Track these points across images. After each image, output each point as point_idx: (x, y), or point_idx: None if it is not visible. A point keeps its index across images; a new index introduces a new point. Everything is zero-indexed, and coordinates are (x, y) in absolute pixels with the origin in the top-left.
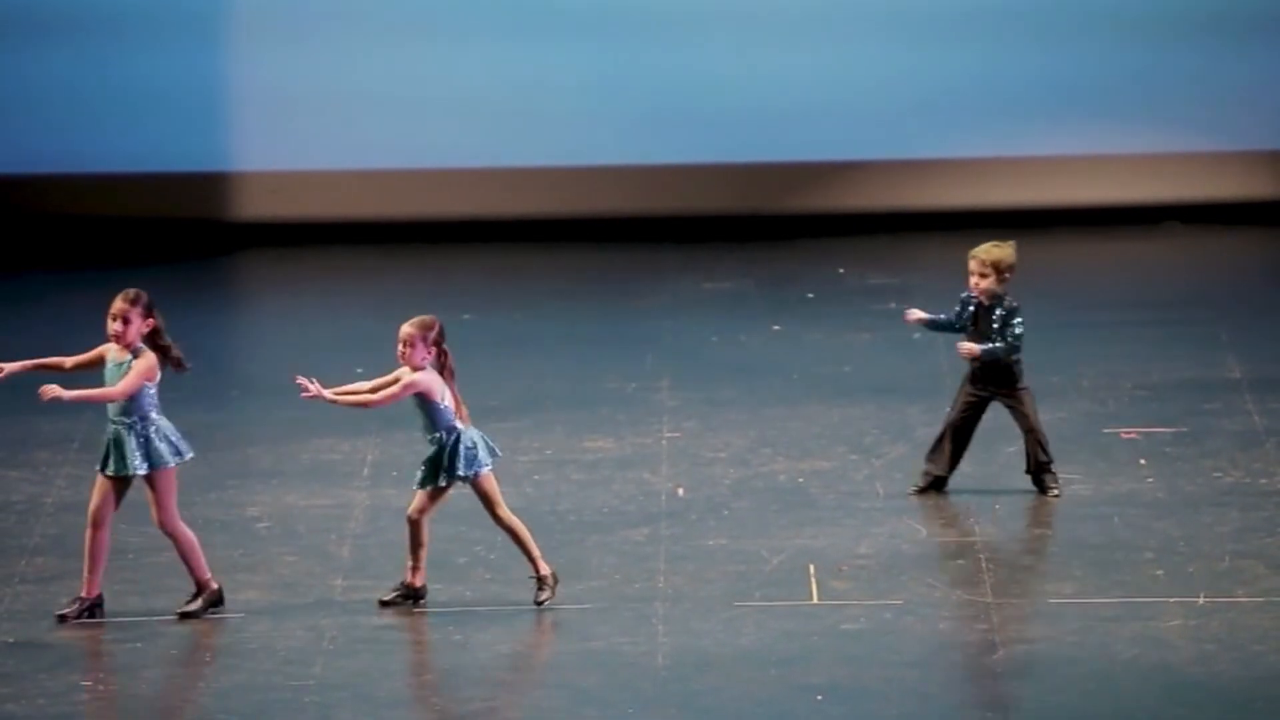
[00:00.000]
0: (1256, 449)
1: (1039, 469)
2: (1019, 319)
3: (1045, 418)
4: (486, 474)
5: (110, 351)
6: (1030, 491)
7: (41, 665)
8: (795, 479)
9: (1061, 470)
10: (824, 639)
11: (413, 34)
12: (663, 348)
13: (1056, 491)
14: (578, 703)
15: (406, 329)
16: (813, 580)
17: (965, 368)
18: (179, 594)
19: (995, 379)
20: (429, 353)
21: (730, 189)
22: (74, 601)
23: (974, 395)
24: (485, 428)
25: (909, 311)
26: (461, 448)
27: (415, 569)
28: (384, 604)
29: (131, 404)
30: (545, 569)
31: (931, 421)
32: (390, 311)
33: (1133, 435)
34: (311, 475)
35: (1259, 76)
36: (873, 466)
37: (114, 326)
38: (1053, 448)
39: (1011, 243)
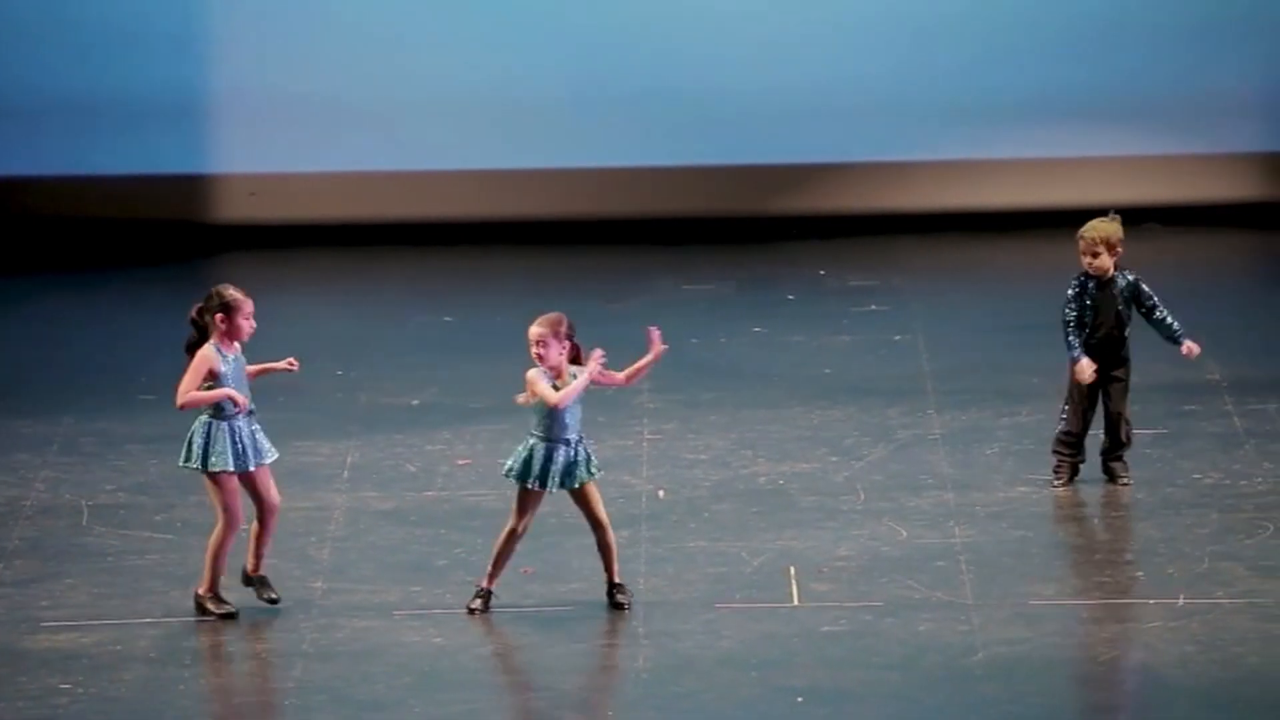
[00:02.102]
0: (1236, 450)
1: (1114, 453)
2: (1146, 287)
3: (1024, 420)
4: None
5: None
6: (1010, 493)
7: (21, 668)
8: (776, 481)
9: (1042, 473)
10: (804, 641)
11: (392, 36)
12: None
13: (1126, 480)
14: (558, 705)
15: (536, 329)
16: (793, 582)
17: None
18: (159, 596)
19: (1110, 356)
20: (564, 348)
21: (711, 191)
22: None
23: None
24: (467, 431)
25: (1084, 370)
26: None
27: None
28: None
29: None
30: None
31: (911, 423)
32: (371, 314)
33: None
34: (291, 477)
35: (1238, 79)
36: (853, 469)
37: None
38: (1041, 450)
39: (1116, 216)
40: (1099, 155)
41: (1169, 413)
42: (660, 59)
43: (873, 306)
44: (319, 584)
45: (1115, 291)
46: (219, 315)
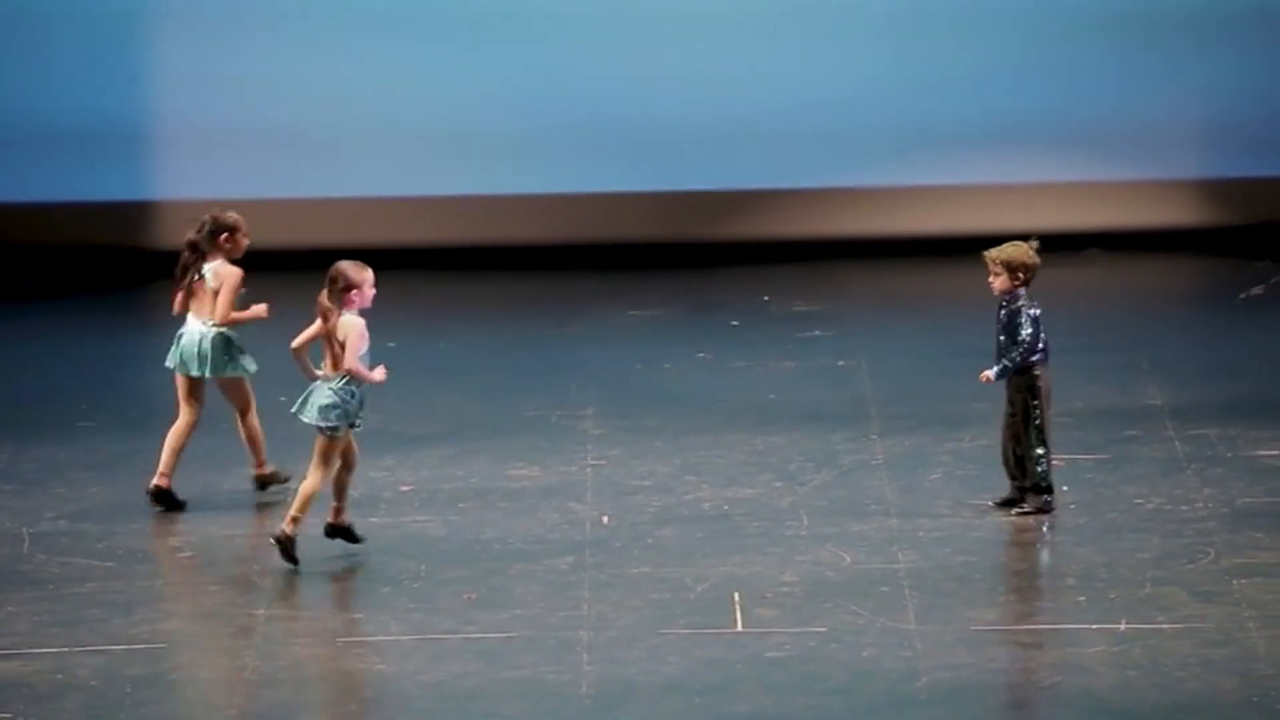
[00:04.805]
0: (1177, 475)
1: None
2: (1024, 319)
3: (967, 446)
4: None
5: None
6: (953, 518)
7: None
8: (720, 507)
9: (984, 496)
10: (748, 667)
11: (336, 63)
12: (587, 375)
13: (1017, 510)
14: None
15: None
16: (737, 608)
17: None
18: (100, 624)
19: (1009, 383)
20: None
21: (655, 216)
22: None
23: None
24: (410, 455)
25: (983, 375)
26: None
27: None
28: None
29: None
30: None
31: (855, 449)
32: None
33: (1055, 462)
34: (234, 504)
35: (1179, 105)
36: (797, 494)
37: None
38: (985, 475)
39: (1031, 242)
40: (1041, 181)
41: (1110, 438)
42: (605, 85)
43: (817, 332)
44: (261, 611)
45: (1001, 316)
46: (224, 235)
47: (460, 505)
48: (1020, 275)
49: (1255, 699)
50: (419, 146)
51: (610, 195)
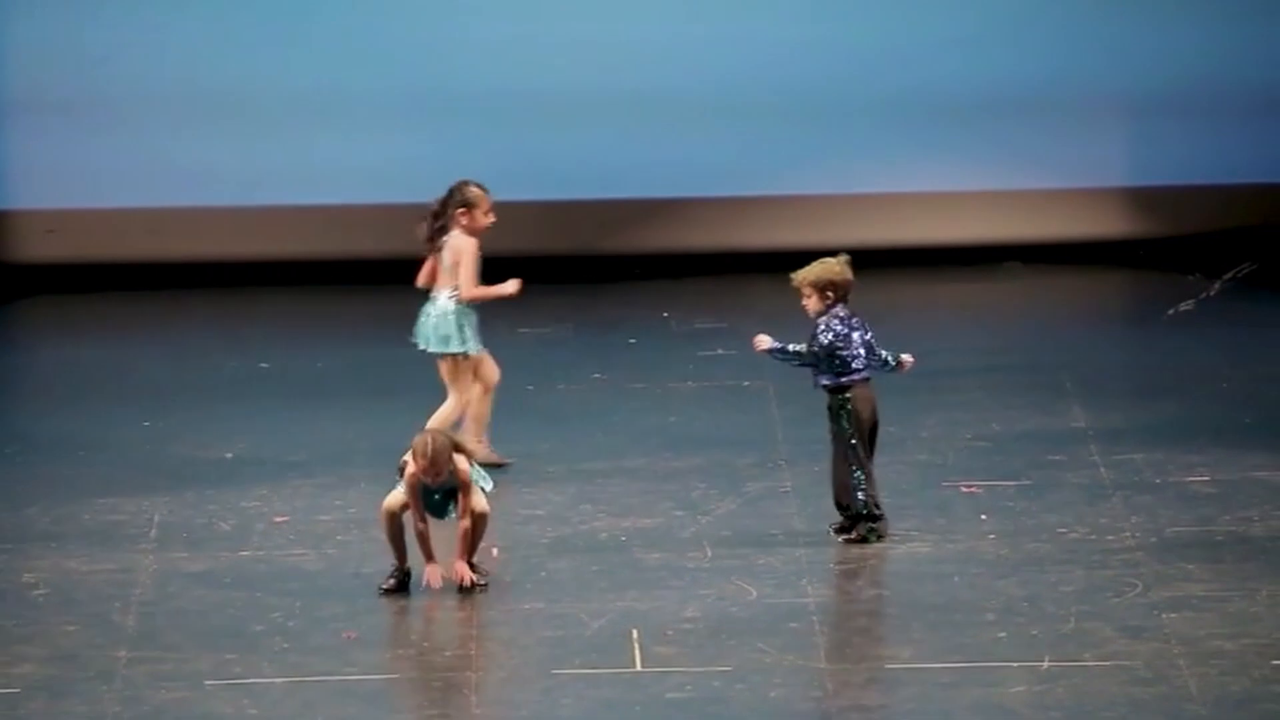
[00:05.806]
0: (1103, 503)
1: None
2: (822, 328)
3: (877, 472)
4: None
5: None
6: (865, 549)
7: None
8: (617, 537)
9: (898, 526)
10: (648, 709)
11: (195, 66)
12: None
13: (848, 536)
14: None
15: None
16: (636, 646)
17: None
18: None
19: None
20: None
21: (547, 228)
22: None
23: None
24: (285, 484)
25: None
26: None
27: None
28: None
29: None
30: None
31: (761, 475)
32: (180, 360)
33: (974, 489)
34: (93, 538)
35: (1100, 112)
36: (700, 524)
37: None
38: (897, 502)
39: (838, 259)
40: (957, 190)
41: (1032, 463)
42: (489, 89)
43: (720, 351)
44: (123, 653)
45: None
46: (461, 210)
47: (339, 537)
48: (830, 294)
49: None
50: (289, 152)
51: (498, 205)
